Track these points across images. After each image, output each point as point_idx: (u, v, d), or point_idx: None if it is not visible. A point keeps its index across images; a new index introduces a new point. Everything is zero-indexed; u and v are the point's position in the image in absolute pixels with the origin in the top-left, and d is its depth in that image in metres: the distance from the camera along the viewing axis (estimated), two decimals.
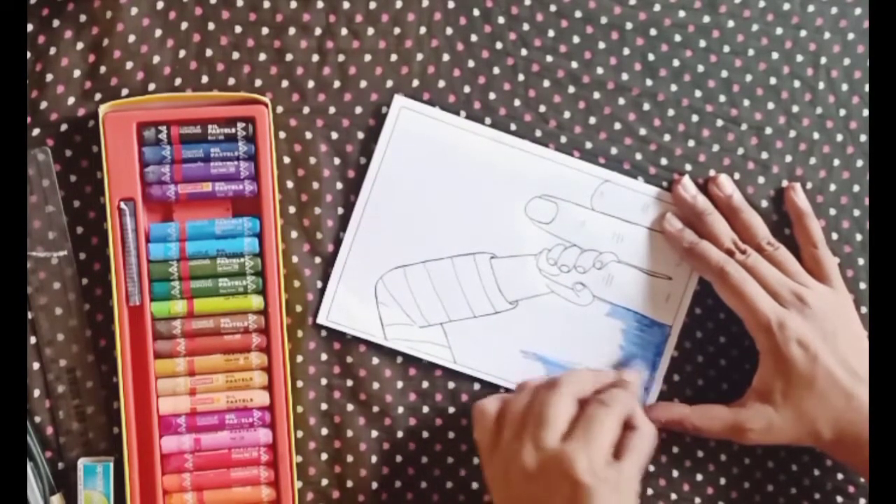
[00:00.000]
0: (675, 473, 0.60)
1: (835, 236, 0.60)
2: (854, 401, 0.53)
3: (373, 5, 0.58)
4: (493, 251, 0.59)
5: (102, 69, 0.56)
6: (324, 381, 0.58)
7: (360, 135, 0.58)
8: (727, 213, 0.58)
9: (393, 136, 0.58)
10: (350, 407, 0.58)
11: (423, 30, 0.58)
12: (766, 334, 0.55)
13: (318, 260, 0.58)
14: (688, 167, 0.59)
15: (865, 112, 0.60)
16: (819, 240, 0.58)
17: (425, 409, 0.58)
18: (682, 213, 0.59)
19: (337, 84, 0.58)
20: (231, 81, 0.57)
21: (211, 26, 0.57)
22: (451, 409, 0.58)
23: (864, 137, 0.60)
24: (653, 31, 0.59)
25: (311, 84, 0.58)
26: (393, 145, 0.58)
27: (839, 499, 0.61)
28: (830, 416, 0.54)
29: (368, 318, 0.58)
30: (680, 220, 0.59)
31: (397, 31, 0.58)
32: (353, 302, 0.58)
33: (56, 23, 0.56)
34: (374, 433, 0.58)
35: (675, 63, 0.59)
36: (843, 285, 0.58)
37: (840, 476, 0.61)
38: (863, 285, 0.60)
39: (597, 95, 0.59)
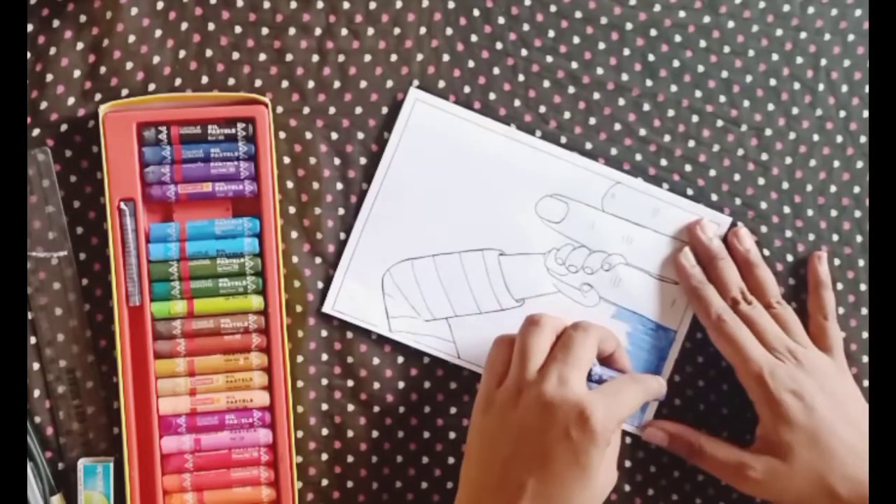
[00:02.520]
0: (677, 474, 0.60)
1: (835, 238, 0.60)
2: (859, 452, 0.53)
3: (373, 5, 0.58)
4: (502, 248, 0.59)
5: (102, 69, 0.56)
6: (324, 382, 0.58)
7: (360, 135, 0.58)
8: (742, 266, 0.58)
9: (406, 129, 0.58)
10: (351, 407, 0.58)
11: (423, 30, 0.58)
12: (758, 383, 0.54)
13: (318, 260, 0.58)
14: (688, 168, 0.59)
15: (865, 113, 0.60)
16: (830, 312, 0.58)
17: (426, 410, 0.58)
18: (696, 252, 0.59)
19: (337, 84, 0.58)
20: (231, 81, 0.57)
21: (211, 26, 0.57)
22: (453, 410, 0.58)
23: (864, 139, 0.60)
24: (653, 32, 0.59)
25: (311, 84, 0.58)
26: (406, 137, 0.58)
27: None
28: (842, 472, 0.52)
29: (374, 309, 0.58)
30: (692, 258, 0.58)
31: (397, 31, 0.58)
32: (359, 292, 0.58)
33: (56, 23, 0.56)
34: (375, 433, 0.58)
35: (676, 63, 0.59)
36: (844, 360, 0.57)
37: None
38: (863, 287, 0.60)
39: (597, 96, 0.59)
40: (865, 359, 0.60)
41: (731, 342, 0.56)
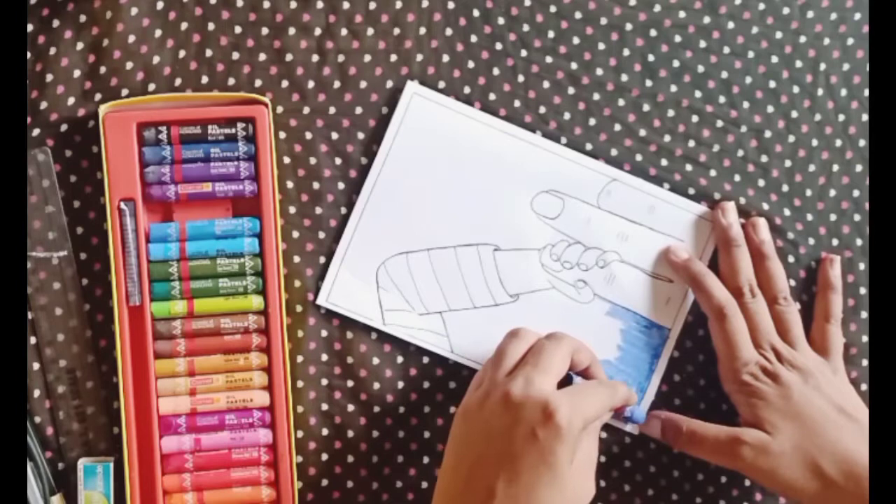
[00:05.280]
0: (676, 474, 0.60)
1: (835, 242, 0.60)
2: (848, 434, 0.53)
3: (373, 5, 0.58)
4: (497, 243, 0.59)
5: (102, 69, 0.56)
6: (324, 382, 0.58)
7: (361, 135, 0.58)
8: (754, 256, 0.58)
9: (403, 122, 0.58)
10: (351, 407, 0.58)
11: (422, 30, 0.58)
12: (734, 377, 0.56)
13: (321, 260, 0.58)
14: (688, 168, 0.59)
15: (864, 117, 0.60)
16: (835, 316, 0.59)
17: (426, 410, 0.58)
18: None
19: (337, 84, 0.58)
20: (231, 81, 0.57)
21: (211, 26, 0.57)
22: (453, 409, 0.59)
23: (862, 142, 0.60)
24: (653, 32, 0.59)
25: (311, 84, 0.58)
26: (403, 131, 0.58)
27: None
28: (830, 450, 0.53)
29: (368, 302, 0.58)
30: (684, 252, 0.59)
31: (397, 31, 0.58)
32: (354, 285, 0.58)
33: (56, 23, 0.56)
34: (375, 433, 0.58)
35: (675, 64, 0.59)
36: (841, 364, 0.58)
37: None
38: (863, 290, 0.60)
39: (596, 96, 0.59)
40: (865, 363, 0.60)
41: (726, 337, 0.56)
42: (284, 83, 0.57)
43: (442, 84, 0.58)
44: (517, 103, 0.59)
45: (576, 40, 0.59)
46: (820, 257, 0.60)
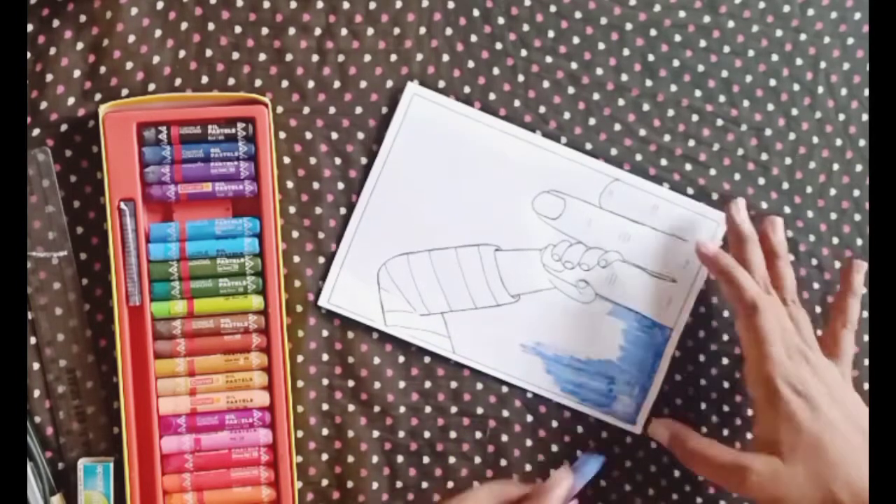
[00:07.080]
0: (677, 474, 0.60)
1: (835, 241, 0.60)
2: (864, 457, 0.50)
3: (373, 5, 0.58)
4: (498, 244, 0.59)
5: (102, 69, 0.56)
6: (325, 382, 0.58)
7: (361, 135, 0.58)
8: (767, 255, 0.57)
9: (404, 123, 0.58)
10: (351, 407, 0.58)
11: (422, 30, 0.58)
12: (766, 382, 0.52)
13: (320, 260, 0.58)
14: (688, 167, 0.59)
15: (864, 117, 0.60)
16: (851, 322, 0.57)
17: (427, 409, 0.58)
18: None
19: (337, 84, 0.58)
20: (231, 81, 0.57)
21: (211, 26, 0.57)
22: (453, 409, 0.59)
23: (863, 142, 0.60)
24: (653, 32, 0.59)
25: (311, 84, 0.58)
26: (403, 132, 0.58)
27: None
28: (845, 479, 0.50)
29: (369, 303, 0.58)
30: (714, 245, 0.57)
31: (397, 31, 0.58)
32: (355, 286, 0.58)
33: (56, 23, 0.56)
34: (376, 433, 0.58)
35: (675, 63, 0.59)
36: (850, 371, 0.56)
37: None
38: (863, 290, 0.60)
39: (596, 96, 0.59)
40: (866, 362, 0.60)
41: (757, 335, 0.53)
42: (284, 83, 0.57)
43: (442, 84, 0.58)
44: (517, 103, 0.59)
45: (576, 40, 0.59)
46: (820, 254, 0.60)
